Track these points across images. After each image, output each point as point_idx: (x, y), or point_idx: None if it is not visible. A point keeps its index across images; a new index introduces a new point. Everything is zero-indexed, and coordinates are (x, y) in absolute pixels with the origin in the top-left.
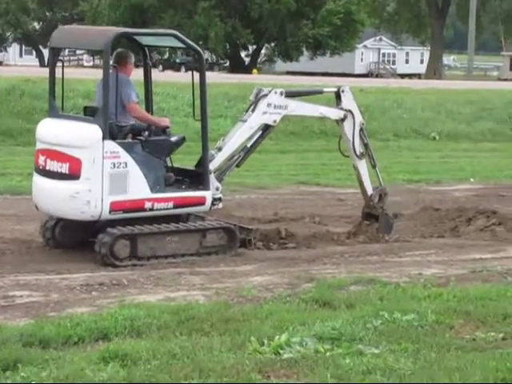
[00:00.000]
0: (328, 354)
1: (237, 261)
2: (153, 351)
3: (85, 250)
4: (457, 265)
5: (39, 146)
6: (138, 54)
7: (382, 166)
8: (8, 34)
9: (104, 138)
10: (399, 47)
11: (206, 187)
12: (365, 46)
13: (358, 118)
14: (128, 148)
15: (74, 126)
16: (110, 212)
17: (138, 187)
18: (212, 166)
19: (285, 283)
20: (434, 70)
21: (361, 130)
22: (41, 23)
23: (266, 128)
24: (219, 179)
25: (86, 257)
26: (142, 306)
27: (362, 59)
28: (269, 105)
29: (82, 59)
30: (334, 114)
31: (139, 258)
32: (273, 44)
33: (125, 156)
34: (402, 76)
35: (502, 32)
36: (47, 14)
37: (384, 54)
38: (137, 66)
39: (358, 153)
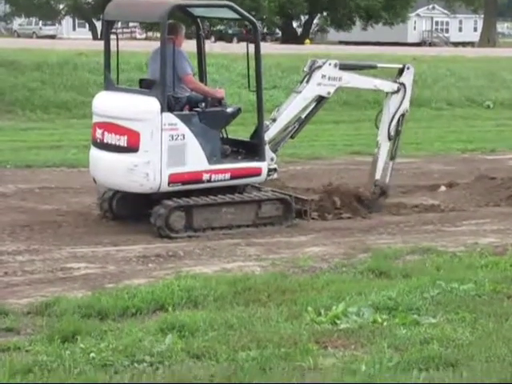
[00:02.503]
0: (385, 323)
1: (292, 232)
2: (210, 322)
3: (141, 222)
4: None
5: (96, 119)
6: (191, 26)
7: (437, 135)
8: (60, 6)
9: (162, 111)
10: (452, 15)
11: (261, 158)
12: (417, 15)
13: (406, 102)
14: (185, 120)
15: (132, 98)
16: (168, 184)
17: (195, 159)
18: (267, 136)
19: (340, 253)
20: (488, 37)
21: (402, 115)
22: None
23: (320, 99)
24: (274, 150)
25: (142, 229)
26: (199, 278)
27: (414, 28)
28: (323, 76)
29: (134, 32)
30: (388, 86)
31: (195, 230)
32: (325, 14)
33: (182, 128)
34: (456, 44)
35: None
36: None
37: (437, 23)
38: (189, 38)
39: (390, 131)
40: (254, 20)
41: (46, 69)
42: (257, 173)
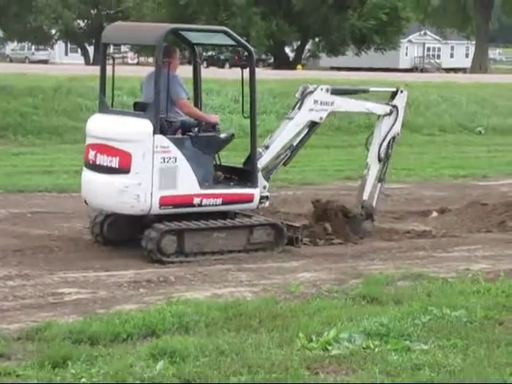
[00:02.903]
0: (376, 349)
1: (284, 257)
2: (201, 348)
3: (132, 247)
4: (505, 260)
5: (89, 140)
6: (185, 51)
7: (429, 160)
8: (53, 31)
9: (155, 133)
10: (444, 41)
11: (254, 185)
12: (409, 41)
13: (398, 125)
14: (178, 143)
15: (125, 120)
16: (159, 207)
17: (187, 182)
18: (259, 164)
19: (332, 279)
20: (480, 63)
21: (393, 138)
22: (85, 21)
23: (312, 125)
24: (266, 177)
25: (133, 254)
26: (190, 303)
27: (406, 54)
28: (315, 101)
29: (126, 57)
30: (380, 109)
31: (186, 255)
32: (317, 39)
33: (175, 151)
34: (447, 70)
35: None
36: (92, 11)
37: (429, 49)
38: (183, 63)
39: (380, 153)
40: (249, 46)
41: (39, 94)
42: (249, 199)
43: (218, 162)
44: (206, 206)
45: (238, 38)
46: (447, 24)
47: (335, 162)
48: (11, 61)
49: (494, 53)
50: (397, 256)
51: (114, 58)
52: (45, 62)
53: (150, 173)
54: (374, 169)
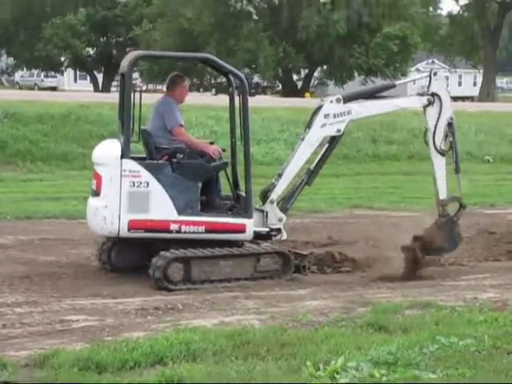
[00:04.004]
0: (384, 378)
1: (291, 285)
2: (209, 376)
3: (140, 274)
4: None
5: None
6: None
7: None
8: (62, 58)
9: (123, 157)
10: (452, 70)
11: (247, 215)
12: (417, 69)
13: (447, 111)
14: (152, 168)
15: (107, 144)
16: (128, 230)
17: (162, 208)
18: (274, 194)
19: (340, 307)
20: (487, 92)
21: (449, 124)
22: (95, 49)
23: (332, 140)
24: (283, 208)
25: (141, 280)
26: (197, 331)
27: (414, 82)
28: (326, 116)
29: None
30: (413, 102)
31: (193, 282)
32: (325, 67)
33: (146, 176)
34: (455, 99)
35: None
36: (101, 39)
37: (447, 78)
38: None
39: (437, 146)
40: (239, 73)
41: (48, 120)
42: (239, 229)
43: (233, 190)
44: (185, 233)
45: (225, 64)
46: (455, 52)
47: (343, 190)
48: (20, 88)
49: (502, 81)
50: (404, 284)
51: (135, 88)
52: (54, 88)
53: (117, 196)
54: (439, 163)
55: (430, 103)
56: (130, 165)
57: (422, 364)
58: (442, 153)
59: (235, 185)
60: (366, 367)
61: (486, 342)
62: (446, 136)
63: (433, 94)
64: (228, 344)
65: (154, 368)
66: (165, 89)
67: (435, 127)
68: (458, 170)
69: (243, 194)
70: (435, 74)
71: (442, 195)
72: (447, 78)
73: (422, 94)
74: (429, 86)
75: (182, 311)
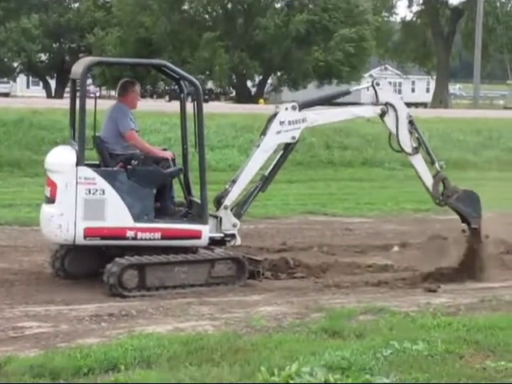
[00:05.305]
0: (338, 383)
1: (245, 291)
2: (163, 382)
3: (94, 281)
4: (466, 294)
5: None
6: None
7: (390, 195)
8: (15, 64)
9: (78, 164)
10: (405, 76)
11: (202, 221)
12: (371, 76)
13: (403, 111)
14: (107, 176)
15: (61, 151)
16: (84, 237)
17: (117, 215)
18: (228, 200)
19: (294, 313)
20: (440, 98)
21: (410, 122)
22: (47, 54)
23: (286, 146)
24: (237, 214)
25: (94, 287)
26: (152, 337)
27: (368, 88)
28: (281, 123)
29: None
30: (368, 111)
31: (148, 289)
32: (279, 73)
33: (102, 183)
34: (408, 105)
35: (508, 61)
36: (54, 45)
37: (390, 83)
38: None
39: (408, 149)
40: (194, 80)
41: (1, 127)
42: (195, 235)
43: (187, 196)
44: (141, 239)
45: (180, 71)
46: (408, 59)
47: (297, 197)
48: None
49: (455, 88)
50: (358, 290)
51: (85, 93)
52: (6, 95)
53: (73, 203)
54: (417, 160)
55: (384, 112)
56: (86, 172)
57: (375, 369)
58: (414, 151)
59: (188, 191)
60: (320, 372)
61: (439, 346)
62: (411, 133)
63: (385, 104)
64: (182, 350)
65: (108, 374)
66: (116, 95)
67: (397, 133)
68: (433, 161)
69: (196, 199)
70: (377, 84)
71: (433, 189)
72: (400, 83)
73: (375, 104)
74: (377, 97)
75: (137, 318)
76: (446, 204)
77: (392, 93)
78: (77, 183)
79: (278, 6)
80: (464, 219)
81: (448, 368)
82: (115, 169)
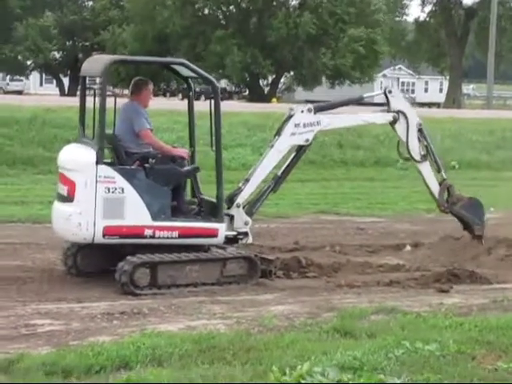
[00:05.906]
0: (350, 383)
1: (257, 290)
2: (174, 380)
3: (106, 279)
4: (478, 294)
5: (59, 170)
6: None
7: (403, 195)
8: (29, 62)
9: (98, 163)
10: (418, 76)
11: (218, 219)
12: (384, 75)
13: (414, 119)
14: (126, 174)
15: (77, 150)
16: (103, 236)
17: (136, 213)
18: (241, 198)
19: (306, 312)
20: (453, 98)
21: (419, 130)
22: (61, 52)
23: (299, 148)
24: (249, 212)
25: (106, 285)
26: (163, 335)
27: (381, 88)
28: (296, 125)
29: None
30: (379, 118)
31: (159, 287)
32: (292, 73)
33: (121, 181)
34: (421, 105)
35: None
36: (67, 43)
37: (403, 83)
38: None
39: (416, 156)
40: (210, 77)
41: (14, 124)
42: (211, 234)
43: (199, 195)
44: (159, 238)
45: (199, 70)
46: (421, 59)
47: (309, 196)
48: None
49: (468, 88)
50: (370, 290)
51: (95, 90)
52: (20, 92)
53: (93, 202)
54: (425, 168)
55: (395, 120)
56: (106, 171)
57: (387, 369)
58: (422, 158)
59: (197, 189)
60: (332, 372)
61: (450, 346)
62: (420, 140)
63: (397, 112)
64: (194, 349)
65: (120, 372)
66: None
67: (407, 140)
68: (439, 169)
69: (207, 198)
70: (390, 91)
71: (438, 195)
72: (413, 83)
73: (386, 111)
74: (388, 105)
75: (148, 316)
76: (451, 211)
77: (404, 101)
78: (96, 182)
79: (292, 2)
80: (467, 226)
81: (460, 369)
82: (134, 167)
